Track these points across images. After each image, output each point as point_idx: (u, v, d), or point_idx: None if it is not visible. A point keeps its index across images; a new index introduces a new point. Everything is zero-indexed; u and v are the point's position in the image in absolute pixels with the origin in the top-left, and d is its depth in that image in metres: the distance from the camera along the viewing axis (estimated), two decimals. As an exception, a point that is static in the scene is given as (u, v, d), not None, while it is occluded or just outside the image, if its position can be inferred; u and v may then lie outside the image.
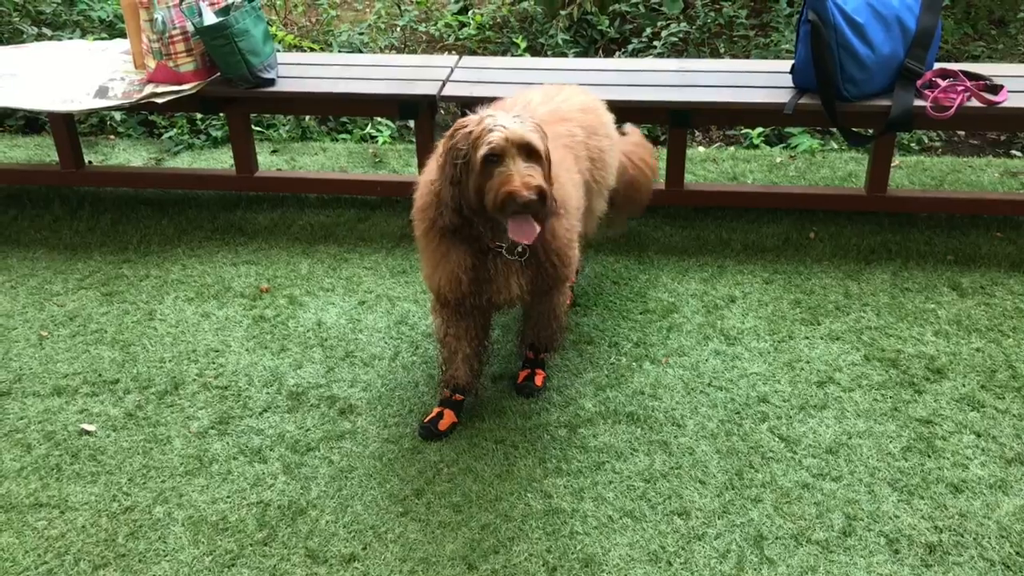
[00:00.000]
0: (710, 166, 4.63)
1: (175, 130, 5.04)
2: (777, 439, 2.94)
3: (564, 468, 2.85)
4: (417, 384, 3.22)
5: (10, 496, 2.80)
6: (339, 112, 4.93)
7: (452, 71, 4.10)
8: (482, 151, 2.53)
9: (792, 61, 3.83)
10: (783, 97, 3.73)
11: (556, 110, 3.13)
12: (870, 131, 3.79)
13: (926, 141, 4.86)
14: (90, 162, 4.75)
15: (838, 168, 4.55)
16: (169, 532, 2.68)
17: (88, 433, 3.05)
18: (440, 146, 2.71)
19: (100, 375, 3.31)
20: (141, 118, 5.25)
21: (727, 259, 3.85)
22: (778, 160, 4.67)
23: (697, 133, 5.04)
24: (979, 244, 3.89)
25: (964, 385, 3.13)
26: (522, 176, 2.53)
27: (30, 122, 5.32)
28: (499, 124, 2.55)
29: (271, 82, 3.99)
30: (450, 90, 3.91)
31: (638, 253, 3.92)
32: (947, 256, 3.82)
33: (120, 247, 4.10)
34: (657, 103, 3.76)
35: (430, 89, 3.90)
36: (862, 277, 3.71)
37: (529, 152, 2.56)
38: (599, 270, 3.81)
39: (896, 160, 4.55)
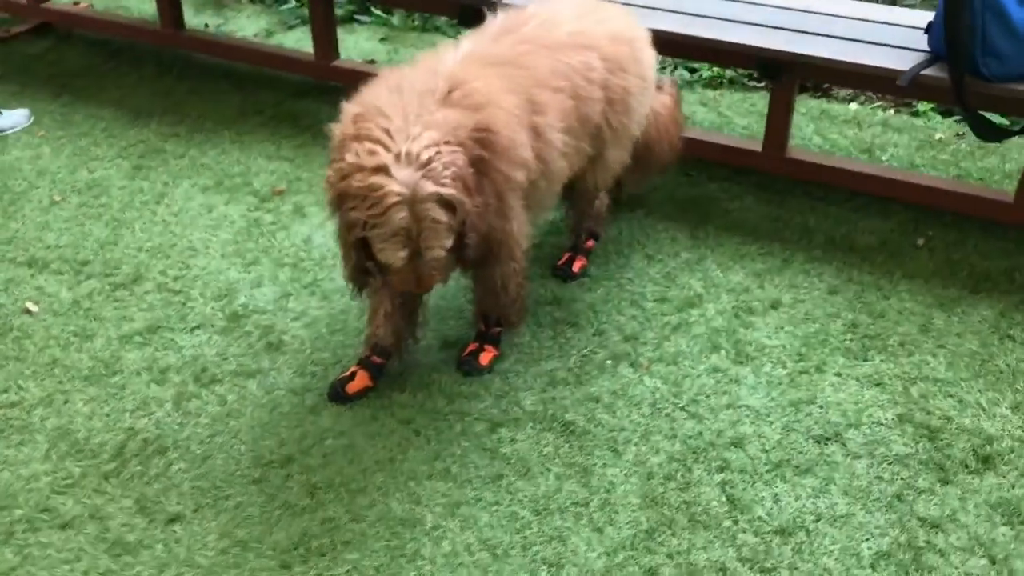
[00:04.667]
0: (849, 130, 3.79)
1: (293, 2, 4.81)
2: (724, 499, 2.33)
3: (454, 472, 2.42)
4: (362, 333, 2.86)
5: (-80, 364, 2.77)
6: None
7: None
8: None
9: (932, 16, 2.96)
10: (907, 62, 2.90)
11: (581, 32, 2.59)
12: (1016, 124, 2.88)
13: None
14: (205, 25, 4.64)
15: (1011, 160, 3.58)
16: (30, 440, 2.53)
17: (29, 313, 2.95)
18: None
19: (77, 253, 3.20)
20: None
21: (798, 252, 3.13)
22: (938, 136, 3.74)
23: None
24: None
25: (1014, 486, 2.35)
26: None
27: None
28: None
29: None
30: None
31: (696, 223, 3.27)
32: (1093, 303, 2.90)
33: (177, 120, 3.96)
34: (738, 46, 3.04)
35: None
36: (957, 309, 2.89)
37: None
38: (638, 235, 3.21)
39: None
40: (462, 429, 2.54)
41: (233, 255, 3.18)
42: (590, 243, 3.08)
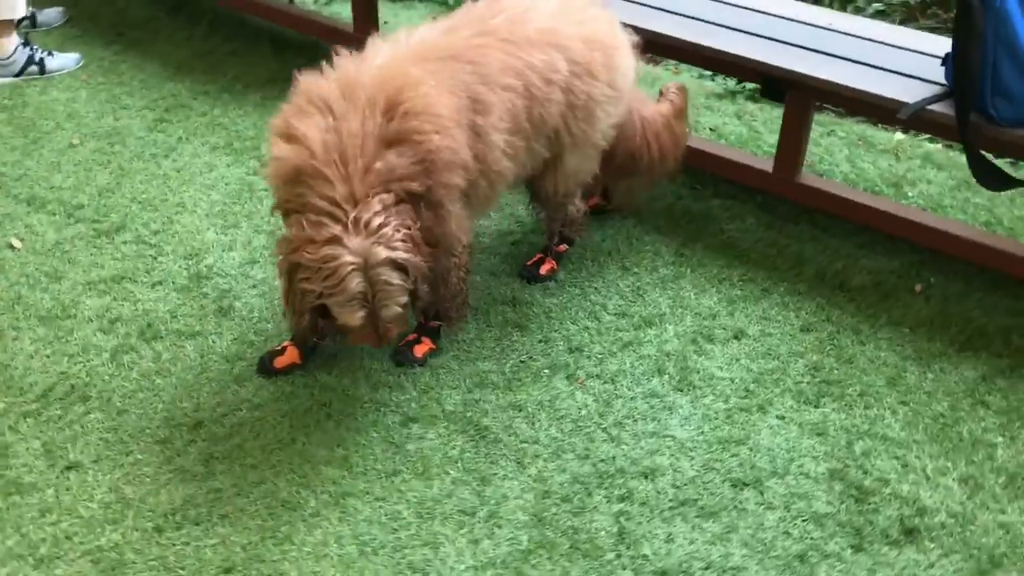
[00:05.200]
0: (884, 160, 3.55)
1: (357, -28, 4.81)
2: (615, 530, 2.22)
3: (351, 461, 2.38)
4: (311, 308, 2.84)
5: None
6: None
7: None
8: None
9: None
10: (918, 93, 2.68)
11: (552, 31, 2.49)
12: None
13: None
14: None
15: (1055, 211, 3.29)
16: (-29, 371, 2.62)
17: (12, 249, 3.06)
18: None
19: (75, 197, 3.30)
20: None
21: (782, 282, 2.95)
22: (978, 177, 3.46)
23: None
24: None
25: (932, 565, 2.15)
26: None
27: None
28: None
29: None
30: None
31: (686, 239, 3.12)
32: (1092, 379, 2.63)
33: (213, 78, 4.03)
34: (739, 58, 2.87)
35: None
36: (935, 366, 2.67)
37: None
38: (621, 244, 3.09)
39: None
40: (375, 419, 2.50)
41: (217, 216, 3.22)
42: (562, 248, 2.98)
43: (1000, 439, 2.46)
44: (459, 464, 2.38)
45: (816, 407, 2.55)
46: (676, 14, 3.10)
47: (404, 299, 2.21)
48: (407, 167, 2.17)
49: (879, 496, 2.31)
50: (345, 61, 2.28)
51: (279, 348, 2.64)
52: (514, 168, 2.49)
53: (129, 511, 2.25)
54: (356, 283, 2.11)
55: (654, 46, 2.88)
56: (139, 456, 2.39)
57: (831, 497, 2.31)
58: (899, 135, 3.74)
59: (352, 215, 2.10)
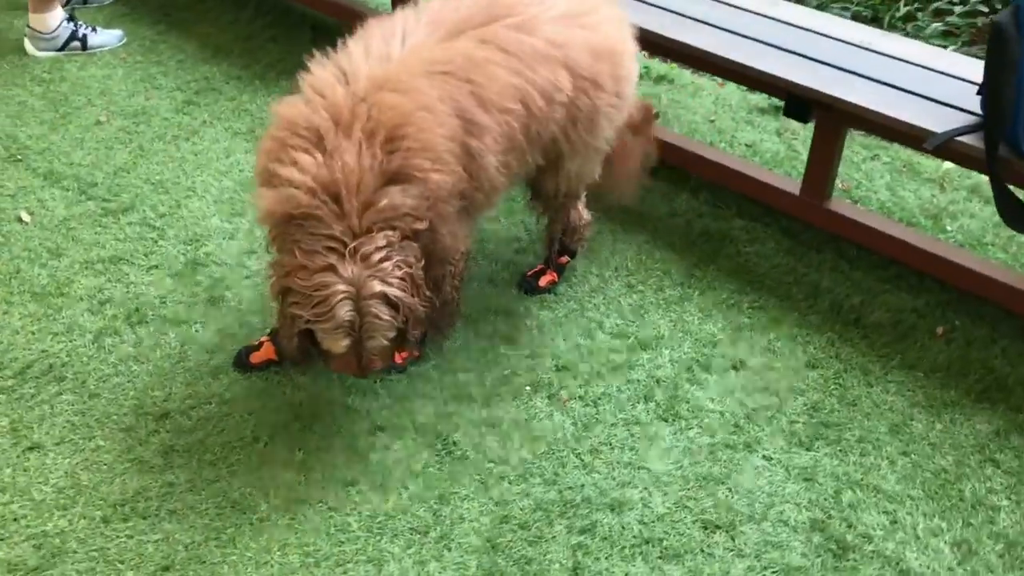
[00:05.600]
0: (927, 190, 3.34)
1: (408, -36, 4.76)
2: (569, 564, 2.11)
3: (309, 466, 2.31)
4: (300, 304, 2.78)
5: (-97, 250, 2.93)
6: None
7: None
8: None
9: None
10: (951, 121, 2.50)
11: (560, 44, 2.33)
12: (1059, 215, 2.43)
13: None
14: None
15: (1107, 257, 3.05)
16: (-46, 343, 2.63)
17: (20, 222, 3.07)
18: None
19: (91, 174, 3.30)
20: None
21: (793, 313, 2.79)
22: (1027, 215, 3.23)
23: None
24: None
25: (907, 636, 1.99)
26: None
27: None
28: None
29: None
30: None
31: (699, 260, 2.98)
32: (1119, 445, 2.42)
33: (246, 64, 4.01)
34: (761, 73, 2.72)
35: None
36: (946, 416, 2.48)
37: None
38: (630, 261, 2.96)
39: None
40: (342, 424, 2.42)
41: (225, 202, 3.18)
42: (563, 259, 2.86)
43: (1006, 502, 2.27)
44: (420, 479, 2.29)
45: (808, 450, 2.39)
46: (709, 25, 2.95)
47: (392, 334, 2.12)
48: (413, 206, 2.07)
49: (860, 553, 2.15)
50: (327, 79, 2.15)
51: (256, 343, 2.59)
52: (506, 181, 2.38)
53: (80, 498, 2.22)
54: (345, 311, 2.02)
55: (677, 54, 2.73)
56: (101, 443, 2.36)
57: (807, 549, 2.15)
58: (947, 164, 3.52)
59: (352, 245, 2.02)
